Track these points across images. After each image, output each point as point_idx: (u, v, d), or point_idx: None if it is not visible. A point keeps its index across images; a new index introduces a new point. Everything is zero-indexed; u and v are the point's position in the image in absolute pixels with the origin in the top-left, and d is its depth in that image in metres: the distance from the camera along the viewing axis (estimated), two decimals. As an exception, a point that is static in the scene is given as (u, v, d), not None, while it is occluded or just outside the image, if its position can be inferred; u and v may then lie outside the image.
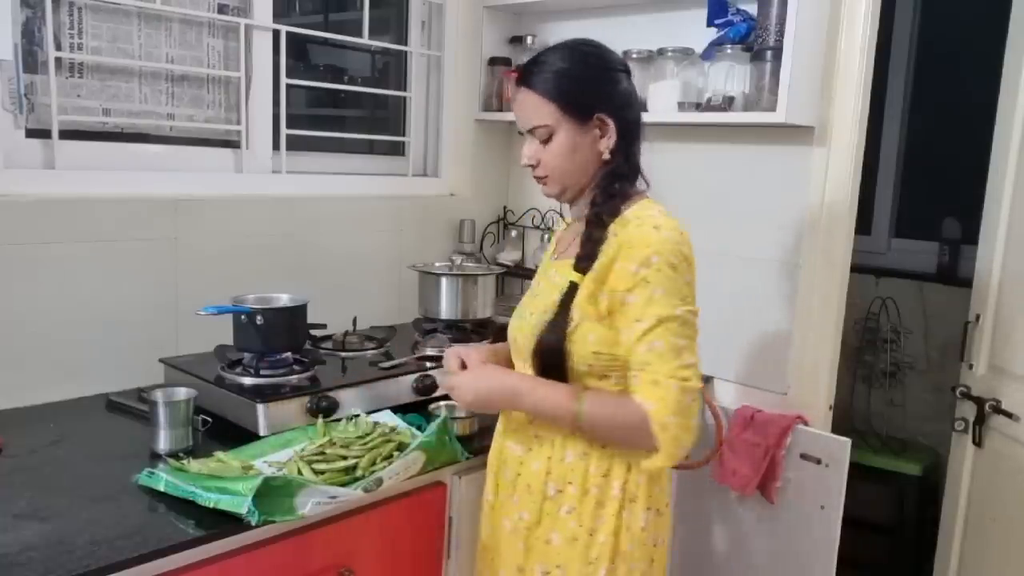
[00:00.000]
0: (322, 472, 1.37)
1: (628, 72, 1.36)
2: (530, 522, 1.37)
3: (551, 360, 1.31)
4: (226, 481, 1.27)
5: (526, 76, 1.32)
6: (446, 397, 1.75)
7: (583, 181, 1.35)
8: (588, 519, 1.32)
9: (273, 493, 1.25)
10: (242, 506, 1.21)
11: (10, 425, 1.56)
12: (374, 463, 1.41)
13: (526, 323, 1.37)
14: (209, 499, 1.25)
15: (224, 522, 1.23)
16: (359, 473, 1.38)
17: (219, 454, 1.42)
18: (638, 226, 1.28)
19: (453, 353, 1.45)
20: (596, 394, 1.29)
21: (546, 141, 1.32)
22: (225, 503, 1.23)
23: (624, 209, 1.32)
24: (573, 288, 1.30)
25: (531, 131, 1.33)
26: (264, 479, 1.24)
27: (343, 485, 1.34)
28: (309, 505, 1.26)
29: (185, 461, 1.39)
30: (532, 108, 1.31)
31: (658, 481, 1.36)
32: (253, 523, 1.22)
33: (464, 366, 1.41)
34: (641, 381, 1.24)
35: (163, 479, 1.30)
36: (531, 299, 1.42)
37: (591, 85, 1.31)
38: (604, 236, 1.29)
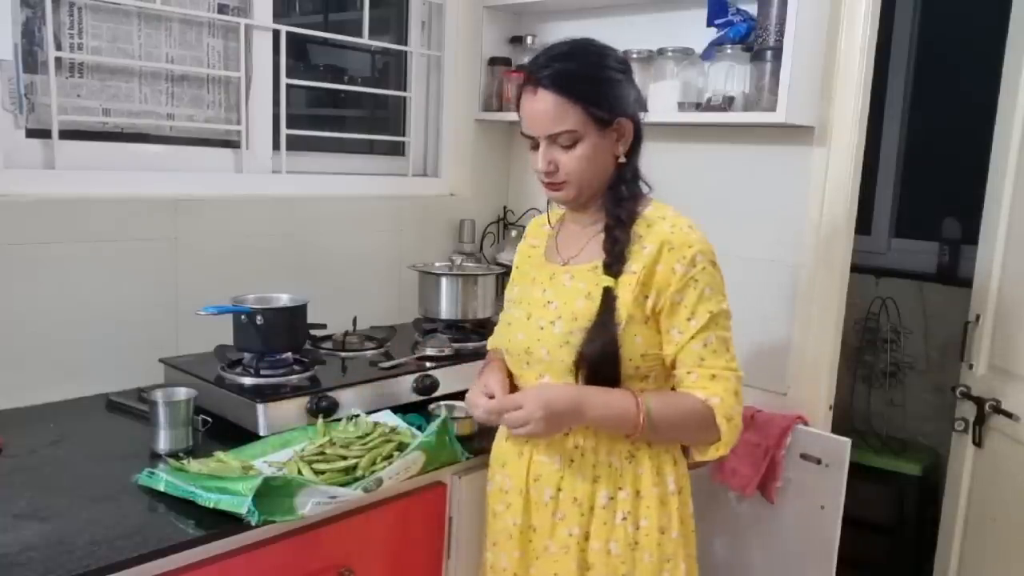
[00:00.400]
0: (322, 472, 1.37)
1: (631, 71, 1.36)
2: (579, 536, 1.34)
3: (601, 367, 1.28)
4: (226, 481, 1.27)
5: (544, 78, 1.27)
6: (445, 397, 1.76)
7: (599, 185, 1.34)
8: (653, 518, 1.33)
9: (273, 493, 1.25)
10: (242, 506, 1.21)
11: (10, 425, 1.56)
12: (374, 463, 1.41)
13: (548, 333, 1.33)
14: (209, 499, 1.25)
15: (224, 522, 1.23)
16: (359, 473, 1.38)
17: (219, 454, 1.41)
18: (672, 226, 1.30)
19: (477, 389, 1.38)
20: (654, 394, 1.31)
21: (568, 146, 1.28)
22: (225, 503, 1.23)
23: (639, 210, 1.33)
24: (608, 292, 1.28)
25: (552, 136, 1.28)
26: (264, 479, 1.24)
27: (343, 485, 1.34)
28: (309, 505, 1.26)
29: (185, 461, 1.39)
30: (554, 113, 1.26)
31: (687, 471, 1.42)
32: (253, 523, 1.22)
33: (491, 397, 1.34)
34: (699, 376, 1.28)
35: (163, 479, 1.30)
36: (541, 308, 1.36)
37: (613, 88, 1.29)
38: (629, 238, 1.30)
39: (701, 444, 1.32)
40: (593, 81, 1.28)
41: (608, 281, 1.29)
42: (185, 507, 1.26)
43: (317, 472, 1.37)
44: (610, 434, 1.32)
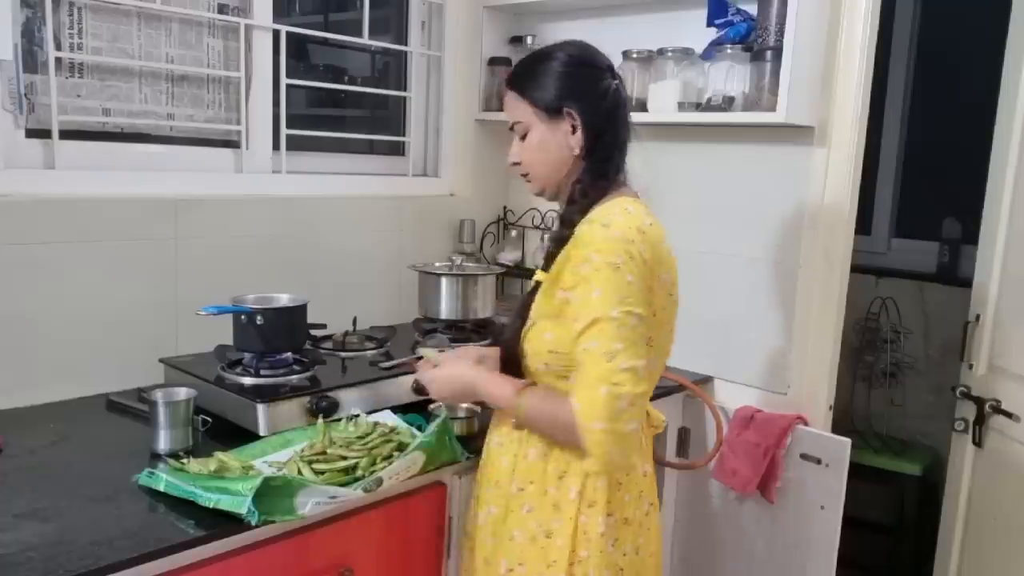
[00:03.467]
0: (322, 472, 1.37)
1: (610, 71, 1.36)
2: (497, 516, 1.39)
3: (511, 360, 1.38)
4: (226, 481, 1.27)
5: (510, 78, 1.39)
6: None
7: (558, 178, 1.37)
8: (546, 521, 1.33)
9: (273, 493, 1.25)
10: (242, 506, 1.21)
11: (10, 425, 1.56)
12: (374, 463, 1.41)
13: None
14: (209, 499, 1.25)
15: (224, 522, 1.23)
16: (359, 473, 1.38)
17: (219, 454, 1.41)
18: (591, 224, 1.28)
19: (426, 357, 1.52)
20: (539, 391, 1.31)
21: (523, 137, 1.37)
22: (225, 503, 1.23)
23: (596, 207, 1.32)
24: (535, 289, 1.34)
25: (512, 128, 1.39)
26: (264, 479, 1.24)
27: (343, 485, 1.34)
28: (309, 505, 1.26)
29: (185, 461, 1.39)
30: (511, 106, 1.38)
31: (626, 488, 1.34)
32: (253, 523, 1.22)
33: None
34: (575, 382, 1.23)
35: (163, 479, 1.30)
36: None
37: (560, 80, 1.33)
38: (568, 236, 1.30)
39: (575, 449, 1.26)
40: (542, 74, 1.34)
41: (541, 276, 1.34)
42: (185, 507, 1.26)
43: (317, 472, 1.37)
44: (532, 428, 1.34)
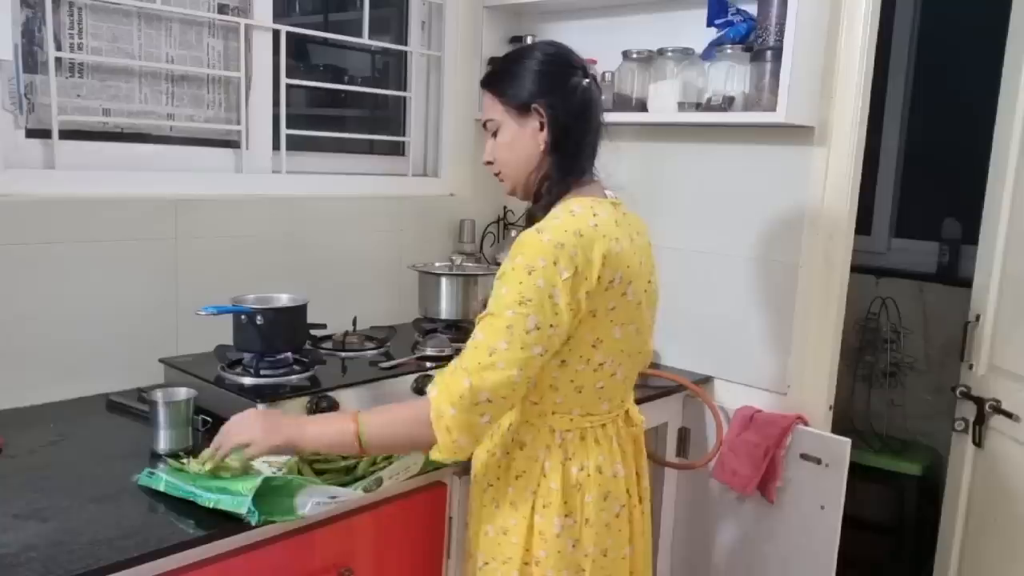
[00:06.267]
0: (322, 472, 1.37)
1: (582, 69, 1.35)
2: (475, 510, 1.42)
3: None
4: (226, 481, 1.27)
5: (484, 78, 1.41)
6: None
7: (527, 176, 1.37)
8: (504, 518, 1.35)
9: (273, 493, 1.25)
10: (242, 506, 1.21)
11: (10, 425, 1.56)
12: (374, 463, 1.42)
13: None
14: (209, 499, 1.25)
15: (224, 522, 1.23)
16: (359, 473, 1.39)
17: (219, 454, 1.41)
18: (532, 229, 1.27)
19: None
20: (376, 407, 1.31)
21: (495, 135, 1.38)
22: (225, 503, 1.23)
23: (558, 205, 1.33)
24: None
25: (484, 126, 1.40)
26: (264, 479, 1.24)
27: (343, 485, 1.34)
28: (309, 505, 1.26)
29: (185, 461, 1.39)
30: (485, 106, 1.39)
31: (586, 490, 1.32)
32: (253, 523, 1.22)
33: None
34: (445, 368, 1.25)
35: (163, 479, 1.30)
36: None
37: (530, 77, 1.33)
38: None
39: (426, 445, 1.24)
40: (511, 72, 1.35)
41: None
42: (185, 507, 1.26)
43: (317, 472, 1.37)
44: (385, 444, 1.30)
